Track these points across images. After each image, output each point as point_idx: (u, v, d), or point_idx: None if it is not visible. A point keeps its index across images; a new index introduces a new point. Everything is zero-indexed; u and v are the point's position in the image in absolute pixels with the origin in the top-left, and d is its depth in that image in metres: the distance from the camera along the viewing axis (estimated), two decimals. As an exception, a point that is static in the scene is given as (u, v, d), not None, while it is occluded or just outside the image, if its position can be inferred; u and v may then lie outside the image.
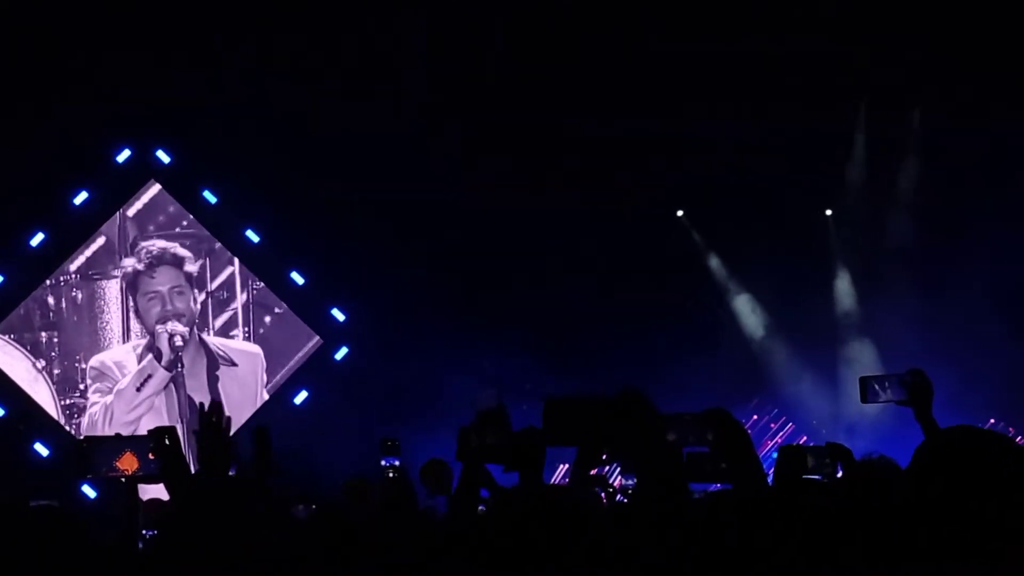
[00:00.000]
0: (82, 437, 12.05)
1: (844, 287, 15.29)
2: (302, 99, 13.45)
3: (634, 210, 14.09)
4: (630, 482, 7.50)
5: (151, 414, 13.71)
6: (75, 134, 13.53)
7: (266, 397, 14.34)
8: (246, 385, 14.28)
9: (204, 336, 14.28)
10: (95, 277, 14.20)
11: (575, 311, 14.22)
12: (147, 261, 14.12)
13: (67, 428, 13.89)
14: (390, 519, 5.42)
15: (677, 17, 13.55)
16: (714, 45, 13.51)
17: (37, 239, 13.96)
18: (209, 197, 14.30)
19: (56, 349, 14.11)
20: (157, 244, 14.20)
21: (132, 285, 14.11)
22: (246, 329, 14.44)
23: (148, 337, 14.02)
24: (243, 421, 14.12)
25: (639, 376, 13.41)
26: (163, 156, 14.24)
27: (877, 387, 5.35)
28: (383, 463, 6.49)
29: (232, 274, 14.46)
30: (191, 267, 14.21)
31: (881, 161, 14.72)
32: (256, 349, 14.41)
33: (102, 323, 14.16)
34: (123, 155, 14.14)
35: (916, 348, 13.36)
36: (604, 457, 4.98)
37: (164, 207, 14.38)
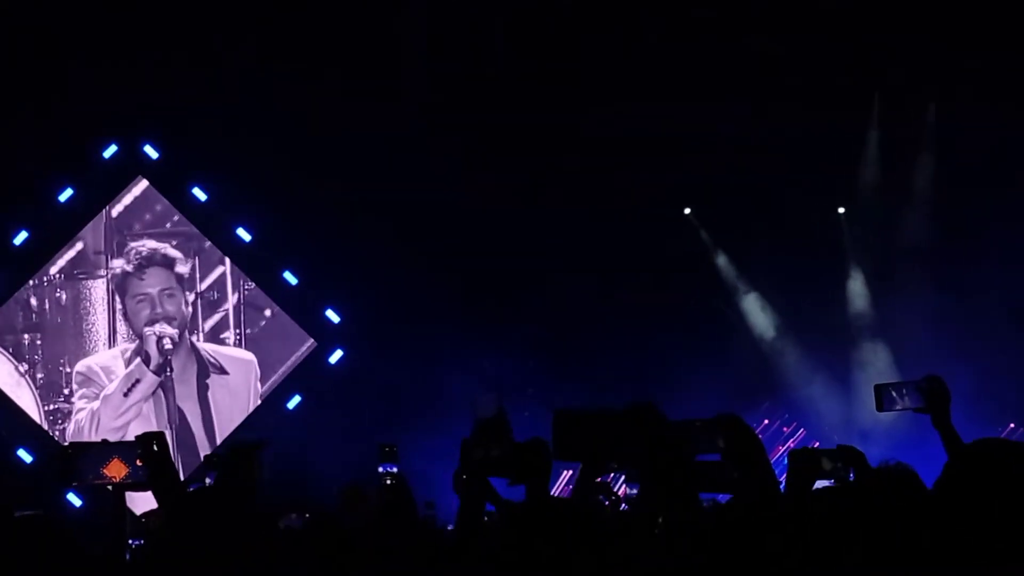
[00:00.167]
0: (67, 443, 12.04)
1: (857, 288, 15.28)
2: (298, 96, 13.54)
3: (638, 209, 14.17)
4: (634, 491, 7.50)
5: (139, 420, 13.68)
6: (60, 129, 13.54)
7: (258, 402, 14.31)
8: (238, 394, 14.21)
9: (196, 342, 14.22)
10: (80, 277, 14.16)
11: (578, 312, 14.28)
12: (136, 262, 14.07)
13: (51, 434, 13.87)
14: (388, 527, 5.41)
15: (679, 15, 13.73)
16: (721, 42, 13.67)
17: (20, 238, 13.95)
18: (198, 194, 14.28)
19: (40, 352, 14.08)
20: (147, 244, 14.15)
21: (120, 287, 14.06)
22: (237, 332, 14.39)
23: (136, 341, 13.98)
24: (233, 428, 14.13)
25: (644, 379, 13.57)
26: (151, 152, 14.22)
27: (893, 394, 5.34)
28: (380, 470, 6.48)
29: (223, 274, 14.41)
30: (182, 268, 14.16)
31: (895, 158, 14.73)
32: (249, 356, 14.34)
33: (87, 325, 14.13)
34: (109, 151, 14.13)
35: (931, 350, 13.36)
36: (613, 467, 4.98)
37: (152, 204, 14.33)
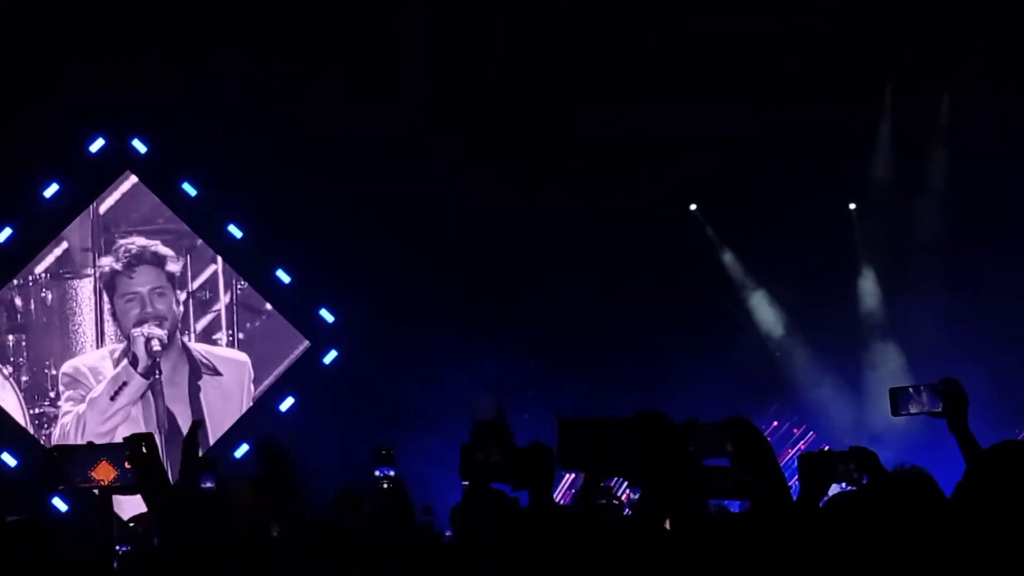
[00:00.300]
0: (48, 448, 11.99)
1: (868, 286, 15.26)
2: (295, 94, 13.62)
3: (641, 208, 14.27)
4: (637, 495, 7.50)
5: (127, 424, 13.63)
6: (45, 123, 13.52)
7: (251, 404, 14.29)
8: (230, 396, 14.17)
9: (187, 342, 14.19)
10: (66, 276, 14.12)
11: (579, 312, 14.37)
12: (125, 260, 14.00)
13: (38, 438, 13.82)
14: (385, 531, 5.40)
15: (679, 15, 13.95)
16: (723, 37, 13.81)
17: (4, 235, 13.93)
18: (189, 189, 14.27)
19: (24, 354, 14.02)
20: (136, 242, 14.10)
21: (109, 286, 14.00)
22: (229, 332, 14.36)
23: (125, 342, 13.93)
24: (225, 431, 14.11)
25: (648, 380, 13.59)
26: (139, 146, 14.20)
27: (909, 398, 5.34)
28: (377, 473, 6.46)
29: (215, 273, 14.37)
30: (173, 267, 14.09)
31: (908, 151, 14.73)
32: (243, 357, 14.30)
33: (74, 326, 14.08)
34: (96, 145, 14.10)
35: (944, 350, 13.36)
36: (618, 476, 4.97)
37: (141, 201, 14.29)
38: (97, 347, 14.02)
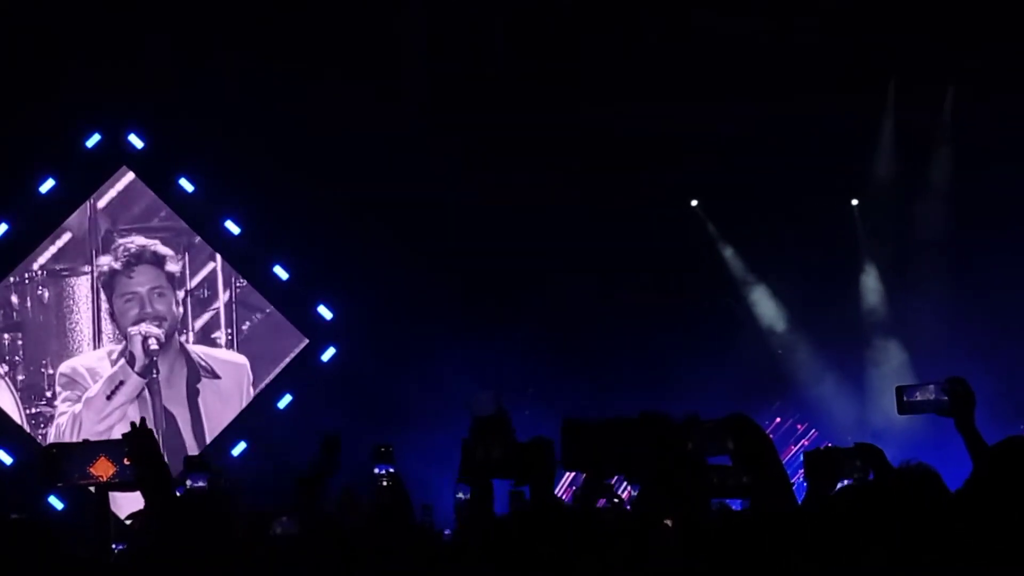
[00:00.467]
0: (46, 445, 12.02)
1: (870, 282, 15.27)
2: (294, 93, 13.68)
3: (642, 206, 14.34)
4: (637, 492, 7.50)
5: (123, 424, 13.53)
6: (42, 118, 13.53)
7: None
8: (229, 399, 14.14)
9: (186, 343, 14.16)
10: (63, 274, 14.09)
11: (580, 311, 14.45)
12: (124, 259, 13.96)
13: (34, 438, 13.80)
14: (384, 530, 5.41)
15: (679, 15, 14.06)
16: (727, 32, 13.93)
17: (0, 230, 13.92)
18: (186, 185, 14.26)
19: (20, 353, 14.00)
20: (136, 241, 14.06)
21: (108, 285, 13.96)
22: (228, 330, 14.33)
23: (123, 341, 13.90)
24: (223, 428, 14.11)
25: (649, 378, 13.62)
26: (136, 141, 14.19)
27: (915, 397, 5.34)
28: (376, 471, 6.46)
29: (213, 271, 14.34)
30: (173, 266, 14.05)
31: (911, 147, 14.75)
32: (242, 360, 14.27)
33: (71, 324, 14.05)
34: (92, 140, 14.09)
35: (947, 347, 13.38)
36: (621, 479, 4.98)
37: (138, 197, 14.26)
38: (94, 346, 13.99)
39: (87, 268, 14.04)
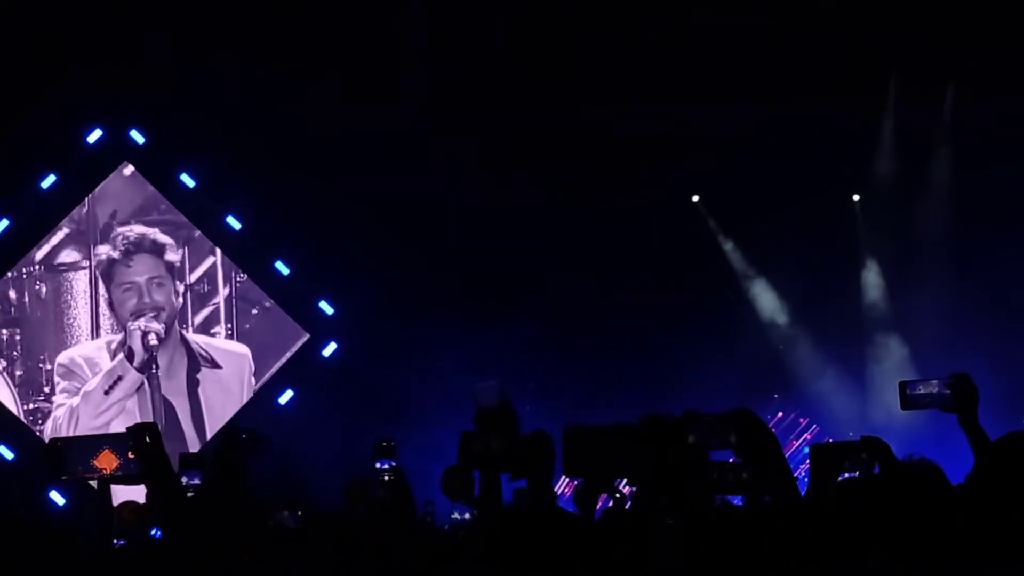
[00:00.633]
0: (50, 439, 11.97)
1: (872, 278, 15.29)
2: (295, 93, 13.70)
3: (642, 206, 14.41)
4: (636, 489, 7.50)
5: (122, 417, 13.52)
6: (43, 114, 13.52)
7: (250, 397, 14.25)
8: (230, 389, 14.10)
9: (185, 333, 14.14)
10: (61, 269, 14.05)
11: (580, 309, 14.49)
12: (123, 248, 13.91)
13: (34, 431, 13.79)
14: (387, 524, 5.41)
15: (679, 15, 14.08)
16: (727, 31, 13.93)
17: (1, 226, 13.90)
18: (187, 181, 14.26)
19: (18, 348, 13.96)
20: (135, 229, 14.01)
21: (106, 274, 13.90)
22: (228, 326, 14.31)
23: (122, 332, 13.86)
24: (223, 424, 14.08)
25: (650, 375, 13.64)
26: (137, 136, 14.19)
27: (918, 392, 5.34)
28: (378, 465, 6.46)
29: (213, 265, 14.31)
30: (172, 256, 13.99)
31: (911, 146, 14.77)
32: (243, 349, 14.23)
33: (69, 319, 14.02)
34: (94, 135, 14.09)
35: (949, 344, 13.40)
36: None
37: (138, 192, 14.24)
38: (92, 339, 13.95)
39: (85, 262, 13.99)
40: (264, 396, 14.22)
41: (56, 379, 13.84)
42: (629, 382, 13.72)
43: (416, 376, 13.65)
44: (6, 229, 13.89)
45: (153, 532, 6.37)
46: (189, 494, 6.24)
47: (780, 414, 14.51)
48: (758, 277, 15.31)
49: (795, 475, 4.36)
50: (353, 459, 9.48)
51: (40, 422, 13.80)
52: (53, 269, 14.04)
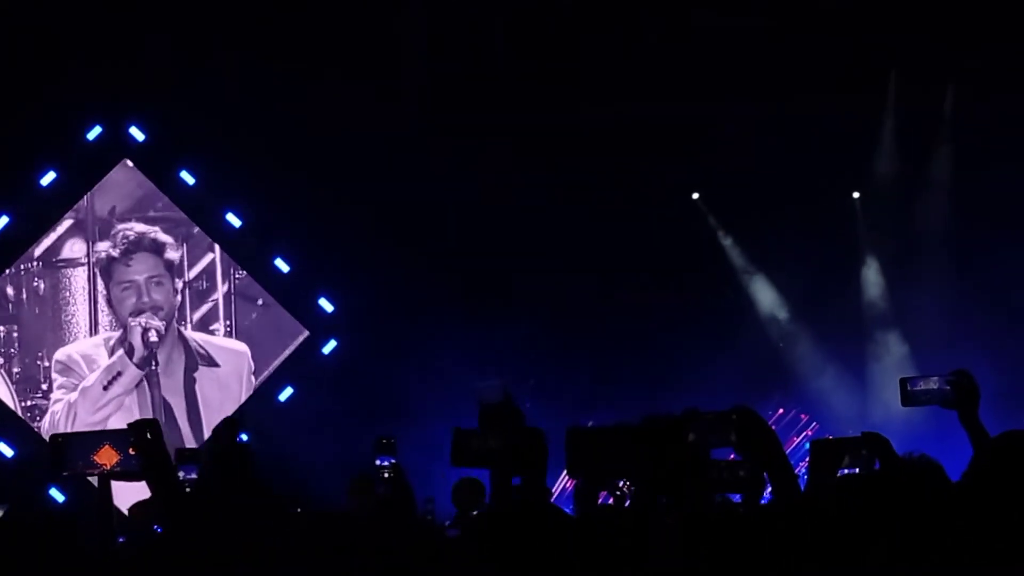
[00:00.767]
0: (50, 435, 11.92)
1: (872, 276, 15.28)
2: (295, 93, 13.69)
3: (643, 204, 14.45)
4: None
5: (120, 414, 13.52)
6: (43, 111, 13.53)
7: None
8: (228, 388, 14.08)
9: (184, 331, 14.12)
10: (60, 265, 14.04)
11: (580, 310, 14.48)
12: (123, 246, 13.89)
13: (32, 428, 13.78)
14: (387, 521, 5.41)
15: (680, 12, 14.10)
16: (727, 31, 13.96)
17: (0, 223, 13.89)
18: (187, 178, 14.26)
19: (16, 345, 13.95)
20: (135, 228, 13.99)
21: (105, 272, 13.88)
22: (227, 323, 14.30)
23: (120, 329, 13.85)
24: (221, 419, 14.06)
25: (651, 370, 13.66)
26: (137, 134, 14.18)
27: (919, 388, 5.35)
28: (378, 463, 6.44)
29: (212, 262, 14.31)
30: (172, 254, 13.97)
31: (911, 145, 14.78)
32: (242, 347, 14.21)
33: (67, 316, 14.01)
34: (93, 132, 14.08)
35: (949, 341, 13.40)
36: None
37: (137, 189, 14.22)
38: (91, 335, 13.93)
39: (83, 259, 13.98)
40: (264, 393, 14.22)
41: (54, 376, 13.82)
42: (629, 381, 13.74)
43: (416, 374, 13.65)
44: (6, 226, 13.88)
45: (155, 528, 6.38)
46: (186, 489, 6.23)
47: (780, 411, 14.51)
48: (758, 273, 15.32)
49: (796, 472, 4.36)
50: (353, 457, 9.48)
51: (38, 419, 13.78)
52: (51, 265, 14.03)
